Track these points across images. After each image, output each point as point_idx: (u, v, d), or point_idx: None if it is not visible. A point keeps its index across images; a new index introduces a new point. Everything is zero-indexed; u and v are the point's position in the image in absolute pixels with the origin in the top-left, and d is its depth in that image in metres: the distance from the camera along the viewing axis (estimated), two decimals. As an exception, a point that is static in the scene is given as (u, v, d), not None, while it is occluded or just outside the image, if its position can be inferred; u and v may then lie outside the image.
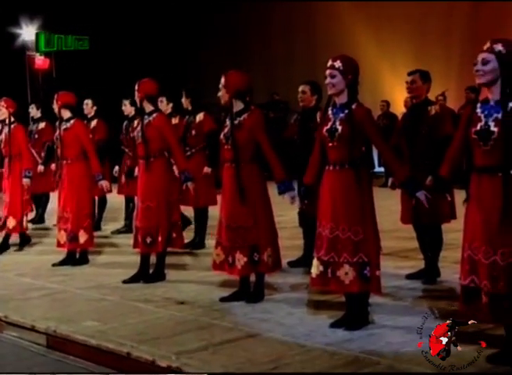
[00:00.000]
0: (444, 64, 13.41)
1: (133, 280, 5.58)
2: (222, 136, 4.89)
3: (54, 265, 6.35)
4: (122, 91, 8.15)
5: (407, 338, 3.97)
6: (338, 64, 4.13)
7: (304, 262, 5.73)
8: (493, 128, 3.41)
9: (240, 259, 4.79)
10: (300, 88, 5.98)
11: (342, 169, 4.13)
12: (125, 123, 8.21)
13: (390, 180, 5.16)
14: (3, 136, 7.13)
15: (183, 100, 7.10)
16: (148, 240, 5.58)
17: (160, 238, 5.54)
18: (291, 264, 5.99)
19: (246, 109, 4.80)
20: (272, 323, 4.40)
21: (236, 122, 4.77)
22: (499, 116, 3.40)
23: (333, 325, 4.24)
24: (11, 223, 7.07)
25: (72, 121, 6.35)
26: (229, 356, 3.78)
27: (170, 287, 5.46)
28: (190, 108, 7.08)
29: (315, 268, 4.23)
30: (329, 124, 4.17)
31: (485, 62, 3.48)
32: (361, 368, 3.54)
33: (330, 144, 4.17)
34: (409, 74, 5.36)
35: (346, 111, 4.12)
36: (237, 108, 4.80)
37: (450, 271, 5.36)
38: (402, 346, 3.85)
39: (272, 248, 4.87)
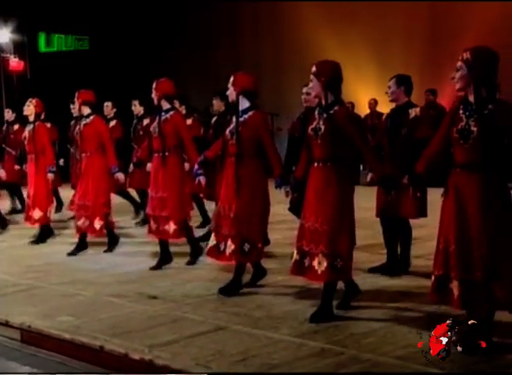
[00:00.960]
0: (405, 67, 13.48)
1: (157, 266, 5.85)
2: (227, 132, 5.03)
3: (69, 254, 6.57)
4: (96, 92, 8.16)
5: (370, 329, 4.02)
6: (313, 69, 4.30)
7: None
8: (473, 128, 3.53)
9: (230, 247, 4.92)
10: (304, 90, 5.99)
11: (325, 166, 4.26)
12: (134, 122, 8.58)
13: (369, 176, 5.21)
14: (26, 133, 7.29)
15: (215, 102, 7.31)
16: (160, 228, 5.77)
17: (175, 227, 5.72)
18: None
19: (251, 108, 4.96)
20: (242, 316, 4.40)
21: (241, 119, 4.92)
22: (477, 117, 3.53)
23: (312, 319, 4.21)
24: (37, 214, 7.23)
25: (91, 117, 6.62)
26: (200, 348, 3.78)
27: (143, 282, 5.43)
28: (222, 109, 7.25)
29: (294, 256, 4.36)
30: (314, 123, 4.32)
31: (457, 70, 3.63)
32: (326, 358, 3.56)
33: (314, 142, 4.31)
34: (389, 80, 5.48)
35: (330, 111, 4.25)
36: (243, 107, 4.95)
37: (413, 264, 5.45)
38: (365, 336, 3.88)
39: (261, 240, 5.01)
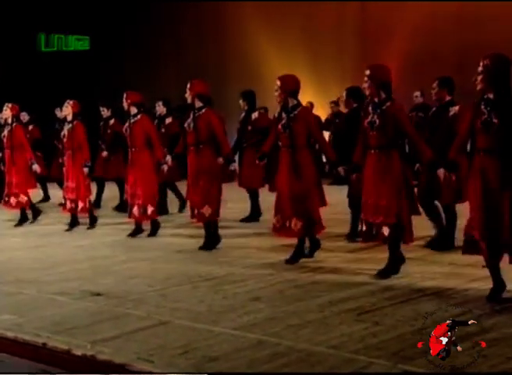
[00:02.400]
0: (339, 73, 13.77)
1: (204, 247, 6.35)
2: (279, 126, 5.62)
3: (129, 235, 7.17)
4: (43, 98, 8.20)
5: (306, 320, 4.06)
6: (368, 72, 4.96)
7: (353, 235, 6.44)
8: (494, 120, 4.17)
9: (297, 224, 5.53)
10: (344, 98, 6.86)
11: (380, 152, 4.94)
12: (155, 122, 8.80)
13: (416, 166, 5.74)
14: (65, 132, 7.76)
15: (240, 102, 7.95)
16: (199, 212, 6.30)
17: (210, 210, 6.26)
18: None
19: (298, 105, 5.58)
20: (183, 310, 4.38)
21: (291, 115, 5.51)
22: (497, 111, 4.17)
23: (378, 275, 4.97)
24: (80, 205, 7.72)
25: (138, 116, 7.09)
26: (142, 343, 3.74)
27: (86, 279, 5.34)
28: (246, 108, 7.92)
29: (362, 226, 5.12)
30: (369, 117, 4.98)
31: (478, 74, 4.26)
32: (263, 349, 3.58)
33: (370, 133, 4.97)
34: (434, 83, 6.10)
35: (382, 107, 4.91)
36: (291, 104, 5.55)
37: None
38: (301, 328, 3.92)
39: (319, 214, 5.63)
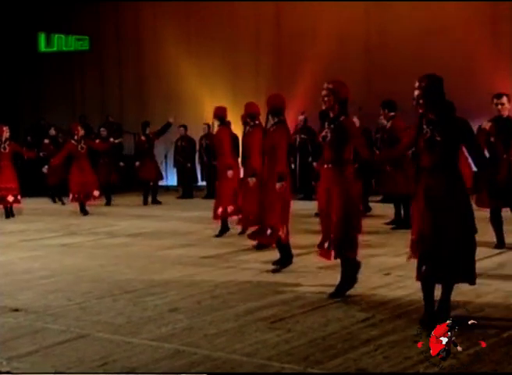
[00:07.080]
0: (254, 93, 13.94)
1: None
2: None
3: (216, 236, 7.68)
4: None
5: (222, 329, 4.06)
6: (330, 85, 4.68)
7: None
8: (437, 138, 3.95)
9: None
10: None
11: (331, 167, 4.69)
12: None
13: None
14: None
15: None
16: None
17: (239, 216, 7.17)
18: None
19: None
20: (103, 323, 4.28)
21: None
22: (439, 129, 3.97)
23: (332, 296, 4.66)
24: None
25: (218, 127, 7.74)
26: (60, 357, 3.62)
27: (5, 294, 5.11)
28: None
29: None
30: (324, 132, 4.76)
31: (417, 95, 4.01)
32: (180, 359, 3.55)
33: (326, 147, 4.75)
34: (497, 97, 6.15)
35: (336, 122, 4.67)
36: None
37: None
38: (217, 337, 3.91)
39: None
